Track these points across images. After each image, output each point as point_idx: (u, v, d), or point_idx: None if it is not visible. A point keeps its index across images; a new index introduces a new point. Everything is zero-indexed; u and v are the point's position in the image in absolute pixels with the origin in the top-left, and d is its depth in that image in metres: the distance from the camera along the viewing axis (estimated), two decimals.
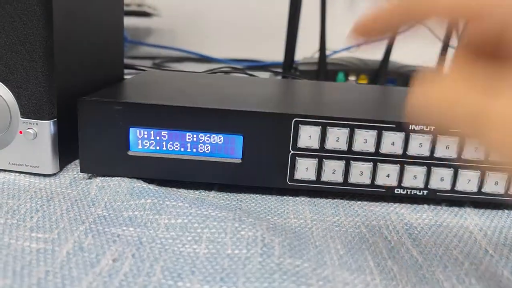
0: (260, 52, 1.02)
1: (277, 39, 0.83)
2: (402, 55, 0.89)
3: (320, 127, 0.31)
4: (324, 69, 0.73)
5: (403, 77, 0.73)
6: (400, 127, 0.31)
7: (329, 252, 0.25)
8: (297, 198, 0.33)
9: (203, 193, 0.33)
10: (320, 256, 0.25)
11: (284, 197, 0.33)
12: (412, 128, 0.31)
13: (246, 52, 1.07)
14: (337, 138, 0.31)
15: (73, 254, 0.24)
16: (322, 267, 0.23)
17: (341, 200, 0.33)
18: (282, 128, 0.31)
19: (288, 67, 0.77)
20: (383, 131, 0.31)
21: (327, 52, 0.85)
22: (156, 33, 1.20)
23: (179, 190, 0.33)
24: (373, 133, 0.31)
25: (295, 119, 0.31)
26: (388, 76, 0.74)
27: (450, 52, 0.74)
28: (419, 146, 0.31)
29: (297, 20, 0.76)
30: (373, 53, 0.78)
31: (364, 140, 0.31)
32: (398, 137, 0.31)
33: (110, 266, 0.23)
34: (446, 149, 0.31)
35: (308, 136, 0.31)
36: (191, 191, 0.33)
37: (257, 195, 0.33)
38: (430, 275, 0.24)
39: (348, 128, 0.31)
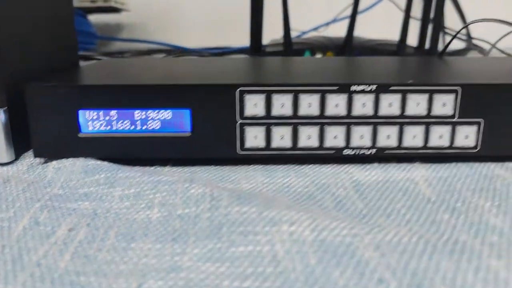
0: (233, 38, 1.03)
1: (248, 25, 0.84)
2: (368, 30, 0.90)
3: (265, 95, 0.32)
4: (290, 49, 0.74)
5: (369, 50, 0.74)
6: (342, 89, 0.32)
7: (277, 201, 0.26)
8: (250, 166, 0.34)
9: (158, 169, 0.33)
10: (268, 201, 0.25)
11: (238, 166, 0.34)
12: (354, 89, 0.32)
13: (219, 40, 1.08)
14: (282, 104, 0.32)
15: (29, 228, 0.24)
16: (269, 210, 0.24)
17: (293, 165, 0.34)
18: (228, 99, 0.32)
19: (255, 50, 0.78)
20: (326, 94, 0.32)
21: (296, 33, 0.86)
22: (128, 28, 1.19)
23: (134, 167, 0.33)
24: (316, 96, 0.32)
25: (239, 88, 0.32)
26: (355, 50, 0.74)
27: (412, 23, 0.75)
28: (362, 106, 0.32)
29: (261, 3, 0.76)
30: (339, 31, 0.79)
31: (309, 104, 0.32)
32: (341, 98, 0.32)
33: (66, 235, 0.24)
34: (389, 107, 0.32)
35: (254, 105, 0.32)
36: (146, 168, 0.33)
37: (211, 166, 0.33)
38: (373, 222, 0.25)
39: (292, 94, 0.32)
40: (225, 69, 0.39)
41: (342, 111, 0.32)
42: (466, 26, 0.51)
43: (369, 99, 0.32)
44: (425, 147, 0.33)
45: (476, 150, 0.33)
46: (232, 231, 0.23)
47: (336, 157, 0.33)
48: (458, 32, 0.52)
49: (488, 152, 0.33)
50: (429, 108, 0.32)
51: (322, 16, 1.01)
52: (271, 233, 0.22)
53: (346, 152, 0.33)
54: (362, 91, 0.32)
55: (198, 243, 0.22)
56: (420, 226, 0.24)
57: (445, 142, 0.33)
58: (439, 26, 0.72)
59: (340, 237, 0.22)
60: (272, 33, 0.90)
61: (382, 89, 0.32)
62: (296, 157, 0.33)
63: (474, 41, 0.95)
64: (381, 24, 0.96)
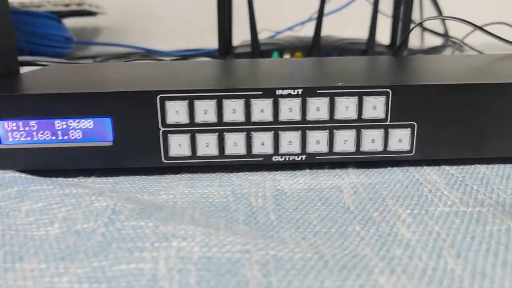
0: (211, 41, 1.02)
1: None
2: (346, 29, 0.89)
3: (187, 101, 0.31)
4: (257, 50, 0.72)
5: (339, 50, 0.73)
6: (267, 93, 0.31)
7: (182, 215, 0.25)
8: (177, 175, 0.32)
9: (82, 180, 0.32)
10: (172, 215, 0.24)
11: (164, 175, 0.32)
12: (280, 93, 0.31)
13: (197, 42, 1.06)
14: (205, 110, 0.31)
15: None
16: (166, 224, 0.23)
17: (221, 173, 0.32)
18: (149, 106, 0.31)
19: (224, 52, 0.77)
20: (251, 99, 0.31)
21: (269, 34, 0.85)
22: (106, 31, 1.18)
23: (58, 179, 0.32)
24: (241, 102, 0.31)
25: (160, 95, 0.30)
26: (323, 50, 0.73)
27: (380, 19, 0.74)
28: (289, 110, 0.31)
29: (228, 5, 0.75)
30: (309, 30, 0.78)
31: (233, 110, 0.31)
32: (266, 103, 0.31)
33: None
34: (317, 111, 0.31)
35: (176, 112, 0.31)
36: (69, 179, 0.32)
37: (137, 176, 0.32)
38: (278, 235, 0.24)
39: (215, 100, 0.31)
40: (152, 75, 0.38)
41: (268, 116, 0.31)
42: (419, 24, 0.49)
43: (295, 103, 0.31)
44: (357, 152, 0.32)
45: (411, 154, 0.32)
46: (120, 247, 0.22)
47: (266, 164, 0.32)
48: (411, 30, 0.51)
49: (423, 155, 0.32)
50: (359, 112, 0.31)
51: (299, 15, 1.00)
52: (158, 250, 0.21)
53: (276, 159, 0.32)
54: (288, 95, 0.31)
55: (84, 261, 0.21)
56: (326, 239, 0.23)
57: (379, 147, 0.32)
58: (408, 22, 0.71)
59: (229, 253, 0.21)
60: (246, 34, 0.88)
61: (309, 92, 0.31)
62: (224, 165, 0.32)
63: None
64: (360, 23, 0.95)
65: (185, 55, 0.83)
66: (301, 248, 0.21)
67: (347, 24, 0.98)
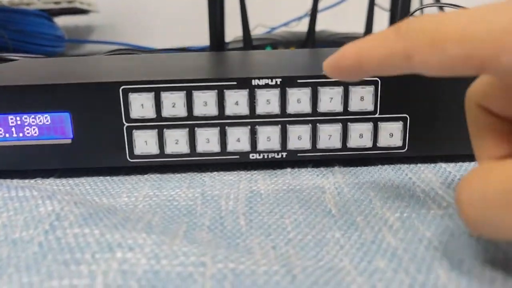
0: (205, 38, 0.99)
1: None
2: (337, 23, 0.86)
3: (153, 93, 0.27)
4: (250, 45, 0.69)
5: (333, 44, 0.70)
6: (241, 84, 0.27)
7: (137, 221, 0.22)
8: (144, 176, 0.29)
9: (39, 181, 0.29)
10: (125, 221, 0.21)
11: (130, 176, 0.29)
12: (256, 84, 0.27)
13: (192, 39, 1.03)
14: (173, 103, 0.28)
15: None
16: (113, 232, 0.20)
17: (193, 173, 0.29)
18: (111, 99, 0.28)
19: (216, 48, 0.73)
20: (224, 90, 0.28)
21: (265, 30, 0.82)
22: (99, 29, 1.16)
23: (13, 180, 0.29)
24: (213, 93, 0.28)
25: (122, 87, 0.27)
26: (318, 45, 0.70)
27: (377, 14, 0.71)
28: (267, 103, 0.28)
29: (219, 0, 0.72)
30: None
31: (204, 102, 0.28)
32: (241, 95, 0.28)
33: None
34: (298, 103, 0.28)
35: (141, 105, 0.28)
36: (26, 180, 0.29)
37: (100, 177, 0.29)
38: (245, 244, 0.20)
39: (185, 91, 0.28)
40: (119, 67, 0.35)
41: (243, 109, 0.28)
42: (414, 12, 0.46)
43: (274, 94, 0.28)
44: (344, 148, 0.29)
45: (404, 150, 0.29)
46: (56, 259, 0.18)
47: (243, 163, 0.29)
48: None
49: (417, 152, 0.29)
50: (345, 103, 0.28)
51: (295, 11, 0.96)
52: (98, 262, 0.18)
53: (253, 156, 0.29)
54: (266, 86, 0.28)
55: (13, 276, 0.18)
56: (300, 248, 0.20)
57: (367, 142, 0.29)
58: (406, 16, 0.67)
59: (181, 267, 0.17)
60: (240, 30, 0.85)
61: (289, 82, 0.28)
62: (196, 164, 0.29)
63: None
64: (357, 17, 0.91)
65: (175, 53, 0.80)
66: (268, 260, 0.18)
67: (344, 18, 0.94)
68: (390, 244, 0.20)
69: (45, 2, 0.97)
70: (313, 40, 0.67)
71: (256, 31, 0.93)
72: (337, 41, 0.68)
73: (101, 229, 0.20)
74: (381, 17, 0.78)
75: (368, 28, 0.68)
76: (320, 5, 0.73)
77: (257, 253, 0.19)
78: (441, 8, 0.61)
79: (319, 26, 0.71)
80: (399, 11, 0.70)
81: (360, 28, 0.74)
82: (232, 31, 0.80)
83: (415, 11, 0.47)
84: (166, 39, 1.04)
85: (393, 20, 0.73)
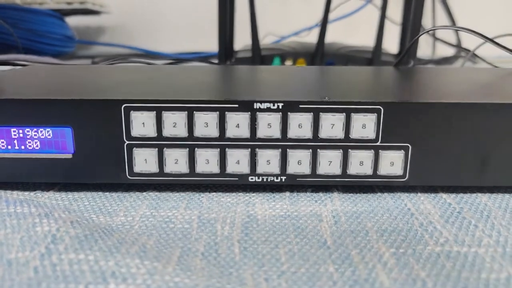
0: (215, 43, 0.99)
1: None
2: (348, 36, 0.85)
3: (155, 112, 0.28)
4: (258, 55, 0.69)
5: (343, 58, 0.70)
6: (243, 106, 0.27)
7: (131, 244, 0.22)
8: (142, 193, 0.29)
9: (39, 194, 0.29)
10: (120, 245, 0.21)
11: (129, 193, 0.29)
12: (258, 107, 0.27)
13: (204, 44, 1.04)
14: (174, 123, 0.28)
15: None
16: (108, 259, 0.20)
17: (191, 193, 0.29)
18: (112, 116, 0.28)
19: (224, 56, 0.74)
20: (225, 112, 0.28)
21: (274, 39, 0.82)
22: (110, 31, 1.16)
23: (13, 192, 0.29)
24: (214, 115, 0.28)
25: (124, 105, 0.27)
26: (328, 57, 0.70)
27: (388, 27, 0.70)
28: (268, 126, 0.28)
29: (230, 7, 0.72)
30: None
31: (205, 124, 0.28)
32: (243, 117, 0.28)
33: None
34: (299, 128, 0.28)
35: (142, 124, 0.28)
36: (26, 193, 0.29)
37: (99, 193, 0.29)
38: (238, 274, 0.20)
39: (186, 112, 0.28)
40: (122, 81, 0.35)
41: (244, 132, 0.28)
42: (423, 33, 0.46)
43: (275, 118, 0.28)
44: (344, 175, 0.29)
45: (404, 179, 0.29)
46: None
47: (242, 185, 0.29)
48: (414, 40, 0.47)
49: (418, 181, 0.29)
50: (347, 130, 0.28)
51: (306, 21, 0.96)
52: None
53: (252, 179, 0.29)
54: (268, 109, 0.28)
55: None
56: (293, 282, 0.20)
57: (367, 170, 0.28)
58: (417, 31, 0.67)
59: None
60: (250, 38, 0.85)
61: (291, 107, 0.27)
62: (194, 184, 0.29)
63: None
64: (368, 30, 0.91)
65: (181, 59, 0.80)
66: None
67: (355, 31, 0.94)
68: (383, 284, 0.19)
69: (57, 2, 0.98)
70: (323, 53, 0.67)
71: (266, 39, 0.93)
72: (347, 54, 0.68)
73: (95, 255, 0.20)
74: (392, 31, 0.78)
75: (379, 42, 0.68)
76: (331, 16, 0.73)
77: (249, 284, 0.19)
78: (456, 31, 0.61)
79: (329, 38, 0.71)
80: (410, 25, 0.69)
81: (371, 42, 0.74)
82: (242, 38, 0.80)
83: (427, 31, 0.47)
84: (176, 43, 1.04)
85: (404, 34, 0.73)
